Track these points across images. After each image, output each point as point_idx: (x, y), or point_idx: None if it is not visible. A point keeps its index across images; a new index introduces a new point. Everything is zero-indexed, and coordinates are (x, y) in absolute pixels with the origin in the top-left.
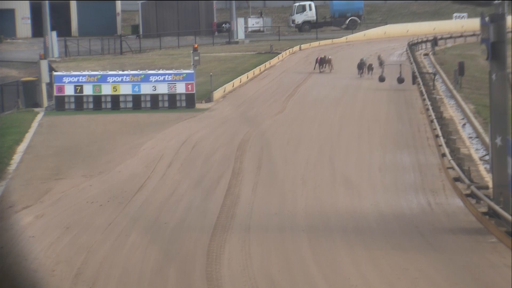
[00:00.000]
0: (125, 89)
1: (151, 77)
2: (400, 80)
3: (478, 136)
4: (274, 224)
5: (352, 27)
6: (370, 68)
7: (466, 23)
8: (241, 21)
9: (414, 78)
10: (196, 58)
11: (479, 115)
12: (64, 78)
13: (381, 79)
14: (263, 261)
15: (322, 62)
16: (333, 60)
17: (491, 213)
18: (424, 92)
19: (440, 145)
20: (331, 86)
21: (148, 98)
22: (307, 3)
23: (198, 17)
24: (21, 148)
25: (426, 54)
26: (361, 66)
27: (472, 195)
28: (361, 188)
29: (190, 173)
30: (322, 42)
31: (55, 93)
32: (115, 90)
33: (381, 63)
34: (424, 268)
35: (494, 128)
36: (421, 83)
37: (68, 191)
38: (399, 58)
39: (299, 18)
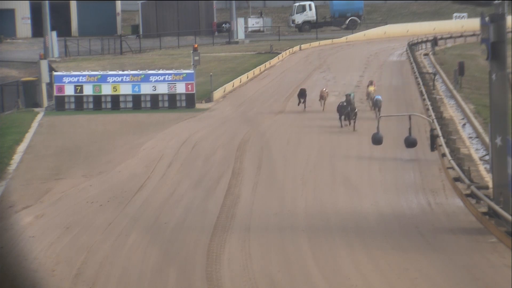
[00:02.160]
0: (125, 89)
1: (151, 77)
2: (410, 143)
3: (478, 136)
4: (274, 224)
5: (352, 27)
6: (353, 114)
7: (466, 23)
8: (241, 21)
9: (433, 140)
10: (196, 58)
11: (479, 115)
12: (64, 78)
13: (376, 139)
14: (263, 261)
15: (302, 95)
16: (329, 89)
17: (491, 213)
18: (424, 92)
19: (440, 145)
20: (331, 86)
21: (148, 98)
22: (307, 3)
23: (198, 17)
24: (21, 148)
25: (426, 54)
26: (343, 109)
27: (472, 195)
28: (361, 188)
29: (190, 173)
30: (322, 42)
31: (55, 93)
32: (115, 90)
33: (375, 105)
34: (424, 268)
35: (494, 128)
36: (445, 148)
37: (68, 191)
38: (399, 58)
39: (299, 18)
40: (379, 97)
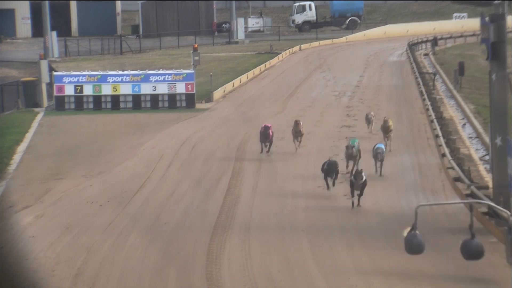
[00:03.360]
0: (125, 89)
1: (151, 77)
2: (473, 253)
3: (478, 136)
4: (274, 224)
5: (352, 27)
6: (360, 184)
7: (466, 23)
8: (241, 21)
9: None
10: (196, 58)
11: (479, 115)
12: (64, 78)
13: (413, 246)
14: (263, 261)
15: (265, 137)
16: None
17: (491, 213)
18: (424, 92)
19: (440, 145)
20: (331, 86)
21: (148, 98)
22: (307, 3)
23: (198, 17)
24: (21, 148)
25: (426, 54)
26: (332, 170)
27: (472, 195)
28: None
29: (190, 173)
30: (322, 42)
31: (55, 93)
32: (115, 90)
33: (375, 157)
34: (424, 268)
35: (494, 128)
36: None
37: (68, 191)
38: (399, 58)
39: (299, 18)
40: (382, 146)
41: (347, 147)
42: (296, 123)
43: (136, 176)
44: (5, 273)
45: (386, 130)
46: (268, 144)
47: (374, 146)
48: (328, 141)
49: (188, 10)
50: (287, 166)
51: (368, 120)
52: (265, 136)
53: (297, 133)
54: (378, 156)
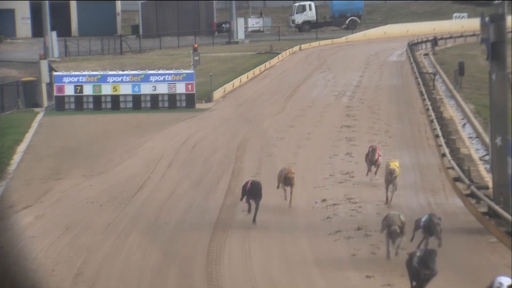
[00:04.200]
0: (125, 89)
1: (151, 77)
2: None
3: (478, 136)
4: (274, 224)
5: (352, 27)
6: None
7: (466, 23)
8: (241, 21)
9: None
10: (196, 58)
11: (479, 115)
12: (64, 78)
13: None
14: (263, 261)
15: (251, 193)
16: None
17: (491, 213)
18: (424, 92)
19: (440, 145)
20: (331, 86)
21: (148, 98)
22: (307, 3)
23: (198, 17)
24: (21, 148)
25: (426, 54)
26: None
27: (472, 195)
28: (361, 188)
29: (190, 173)
30: (322, 42)
31: (55, 93)
32: (115, 90)
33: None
34: None
35: (494, 128)
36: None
37: (68, 191)
38: (399, 58)
39: (299, 18)
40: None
41: (392, 228)
42: (289, 175)
43: (136, 176)
44: (5, 273)
45: (389, 178)
46: (257, 203)
47: (420, 219)
48: (328, 141)
49: (188, 10)
50: (286, 165)
51: (371, 161)
52: (255, 190)
53: (287, 182)
54: (434, 230)
